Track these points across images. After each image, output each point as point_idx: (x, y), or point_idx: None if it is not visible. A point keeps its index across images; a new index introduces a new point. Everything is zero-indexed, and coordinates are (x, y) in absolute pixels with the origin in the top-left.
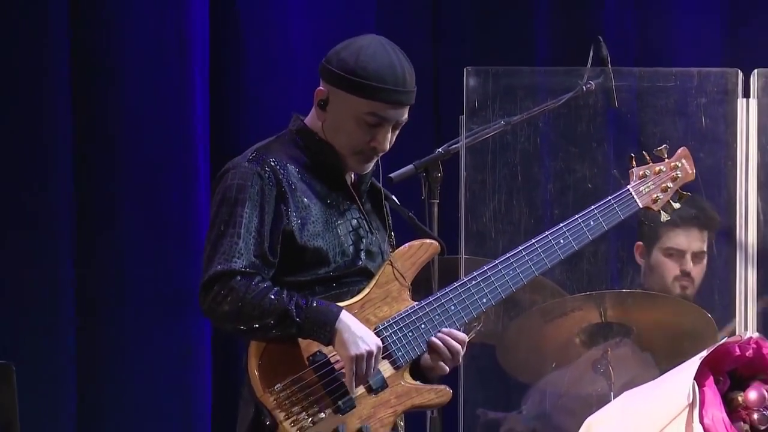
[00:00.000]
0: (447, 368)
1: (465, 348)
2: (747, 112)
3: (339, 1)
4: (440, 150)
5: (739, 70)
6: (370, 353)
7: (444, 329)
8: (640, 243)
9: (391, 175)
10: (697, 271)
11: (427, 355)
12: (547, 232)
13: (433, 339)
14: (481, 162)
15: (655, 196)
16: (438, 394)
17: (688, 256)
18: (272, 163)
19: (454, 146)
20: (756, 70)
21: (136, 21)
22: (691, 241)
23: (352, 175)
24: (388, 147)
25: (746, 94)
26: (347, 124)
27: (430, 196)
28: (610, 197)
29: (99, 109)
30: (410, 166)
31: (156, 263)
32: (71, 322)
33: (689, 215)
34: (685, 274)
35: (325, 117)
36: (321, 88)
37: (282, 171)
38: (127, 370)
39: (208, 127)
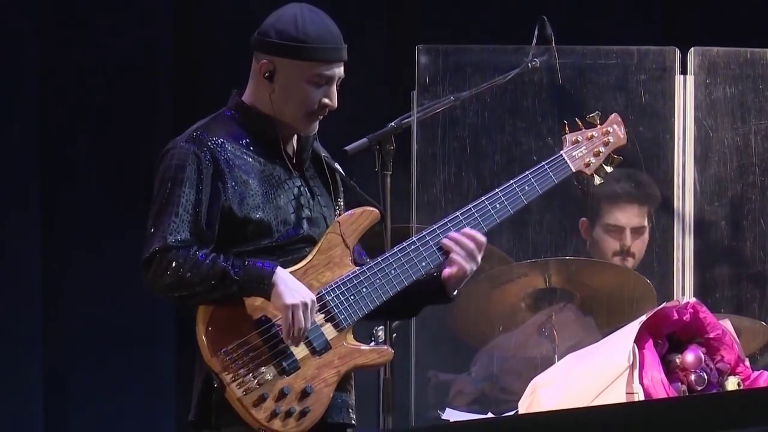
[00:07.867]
0: (467, 268)
1: (482, 251)
2: (684, 89)
3: None
4: (393, 124)
5: (677, 49)
6: (304, 304)
7: (464, 230)
8: (584, 219)
9: (346, 148)
10: (638, 245)
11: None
12: (483, 197)
13: (453, 235)
14: (431, 135)
15: (588, 160)
16: (380, 354)
17: (627, 233)
18: (209, 143)
19: (406, 121)
20: (692, 48)
21: None
22: (629, 217)
23: (293, 145)
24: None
25: (683, 71)
26: (299, 88)
27: (383, 168)
28: (543, 162)
29: (65, 92)
30: (364, 140)
31: (121, 242)
32: (38, 296)
33: (628, 191)
34: (624, 250)
35: (273, 88)
36: (264, 60)
37: (219, 149)
38: (94, 341)
39: (171, 103)
